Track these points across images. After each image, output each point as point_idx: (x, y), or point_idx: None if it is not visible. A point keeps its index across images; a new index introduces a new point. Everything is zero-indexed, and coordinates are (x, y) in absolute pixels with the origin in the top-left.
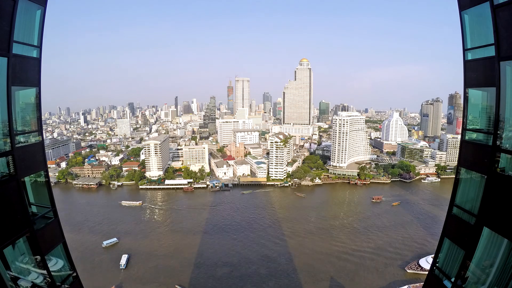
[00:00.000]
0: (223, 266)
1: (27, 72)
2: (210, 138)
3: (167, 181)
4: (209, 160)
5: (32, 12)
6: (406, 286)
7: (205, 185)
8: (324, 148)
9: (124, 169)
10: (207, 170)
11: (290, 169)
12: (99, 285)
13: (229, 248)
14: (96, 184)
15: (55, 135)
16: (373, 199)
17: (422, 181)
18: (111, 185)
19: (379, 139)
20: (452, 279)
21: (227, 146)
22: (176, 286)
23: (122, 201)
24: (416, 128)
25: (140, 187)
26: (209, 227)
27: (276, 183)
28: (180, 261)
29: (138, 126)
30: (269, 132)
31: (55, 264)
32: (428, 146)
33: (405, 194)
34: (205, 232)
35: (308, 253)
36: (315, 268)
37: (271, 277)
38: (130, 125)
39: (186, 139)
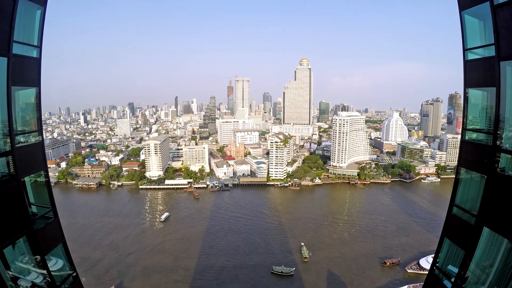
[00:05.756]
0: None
1: (27, 72)
2: (210, 138)
3: (167, 181)
4: (209, 160)
5: (32, 12)
6: (406, 286)
7: (205, 185)
8: (324, 148)
9: (124, 169)
10: (207, 170)
11: (290, 169)
12: (99, 285)
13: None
14: (96, 184)
15: (55, 135)
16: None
17: (422, 181)
18: (111, 185)
19: (379, 139)
20: (452, 279)
21: (227, 146)
22: None
23: None
24: (416, 128)
25: (140, 187)
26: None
27: (276, 183)
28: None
29: (138, 126)
30: (269, 132)
31: (55, 264)
32: (428, 146)
33: (405, 194)
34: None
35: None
36: (315, 267)
37: (271, 275)
38: (130, 125)
39: (186, 139)
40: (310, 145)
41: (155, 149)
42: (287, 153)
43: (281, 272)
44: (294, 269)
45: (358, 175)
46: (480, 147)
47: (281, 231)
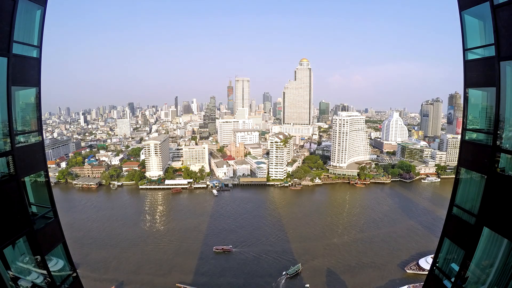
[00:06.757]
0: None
1: (27, 72)
2: (210, 138)
3: (167, 181)
4: (209, 160)
5: (32, 12)
6: (406, 286)
7: (205, 185)
8: (324, 148)
9: (124, 169)
10: (207, 170)
11: (290, 169)
12: (99, 285)
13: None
14: (96, 184)
15: (55, 135)
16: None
17: (422, 181)
18: (111, 185)
19: (379, 139)
20: (452, 279)
21: (227, 146)
22: (177, 284)
23: None
24: (416, 128)
25: (140, 187)
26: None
27: (276, 183)
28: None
29: (138, 126)
30: (269, 132)
31: (55, 264)
32: (428, 146)
33: (405, 194)
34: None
35: (307, 250)
36: (315, 266)
37: (271, 274)
38: (130, 125)
39: (186, 139)
40: (310, 145)
41: (155, 149)
42: (287, 153)
43: (296, 271)
44: (299, 264)
45: (358, 175)
46: (480, 147)
47: (282, 232)
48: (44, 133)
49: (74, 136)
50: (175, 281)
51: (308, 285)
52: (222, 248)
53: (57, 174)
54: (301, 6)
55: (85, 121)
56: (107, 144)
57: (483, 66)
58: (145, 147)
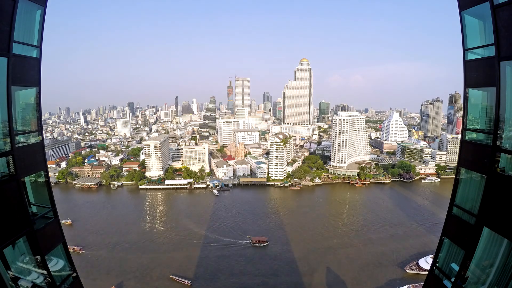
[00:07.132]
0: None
1: (27, 72)
2: (210, 138)
3: (167, 181)
4: (209, 160)
5: (32, 12)
6: (406, 286)
7: (205, 185)
8: (324, 148)
9: (124, 169)
10: (207, 170)
11: (290, 169)
12: (100, 285)
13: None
14: (96, 184)
15: (55, 135)
16: None
17: (422, 181)
18: (111, 185)
19: (379, 139)
20: (452, 279)
21: (227, 146)
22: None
23: None
24: (416, 128)
25: (140, 187)
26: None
27: (276, 183)
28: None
29: (138, 126)
30: (269, 132)
31: (55, 264)
32: (428, 146)
33: (405, 194)
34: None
35: (307, 252)
36: (315, 266)
37: (271, 274)
38: (130, 125)
39: (186, 139)
40: (310, 145)
41: (155, 149)
42: (287, 153)
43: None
44: None
45: (358, 175)
46: (480, 147)
47: (281, 232)
48: (44, 133)
49: (74, 136)
50: (177, 281)
51: None
52: (258, 240)
53: (57, 174)
54: (301, 6)
55: (85, 121)
56: (107, 144)
57: (483, 66)
58: (145, 147)
